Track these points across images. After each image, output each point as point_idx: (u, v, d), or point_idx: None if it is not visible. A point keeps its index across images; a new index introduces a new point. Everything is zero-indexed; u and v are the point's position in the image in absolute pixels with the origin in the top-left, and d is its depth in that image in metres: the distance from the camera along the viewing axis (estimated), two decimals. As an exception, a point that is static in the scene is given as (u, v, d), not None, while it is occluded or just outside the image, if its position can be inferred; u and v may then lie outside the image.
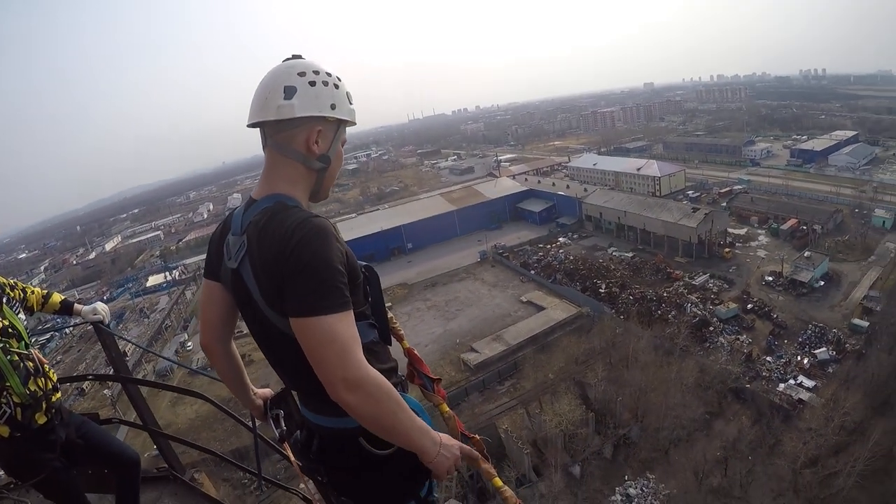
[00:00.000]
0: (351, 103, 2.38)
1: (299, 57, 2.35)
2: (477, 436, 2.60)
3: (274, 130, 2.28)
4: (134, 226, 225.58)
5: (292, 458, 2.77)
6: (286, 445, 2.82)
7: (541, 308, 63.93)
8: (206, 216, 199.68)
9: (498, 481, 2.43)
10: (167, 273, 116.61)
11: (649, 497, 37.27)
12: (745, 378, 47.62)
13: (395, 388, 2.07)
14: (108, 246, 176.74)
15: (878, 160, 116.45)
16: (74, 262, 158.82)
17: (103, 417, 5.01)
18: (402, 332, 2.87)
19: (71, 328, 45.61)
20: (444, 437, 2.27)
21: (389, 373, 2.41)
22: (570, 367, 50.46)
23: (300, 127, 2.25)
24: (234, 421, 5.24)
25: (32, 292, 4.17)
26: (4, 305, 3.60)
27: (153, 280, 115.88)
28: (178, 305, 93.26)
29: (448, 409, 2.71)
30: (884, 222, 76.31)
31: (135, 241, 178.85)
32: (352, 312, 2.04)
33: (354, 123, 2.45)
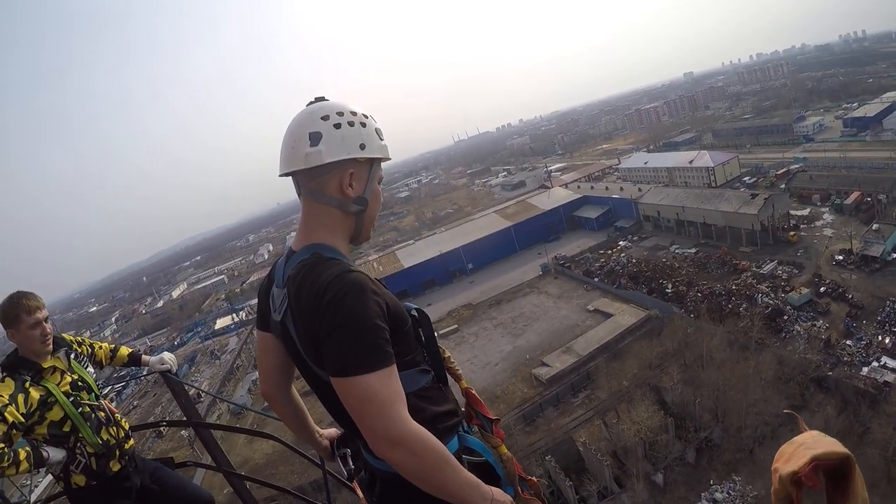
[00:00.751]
0: (382, 139, 2.35)
1: (322, 98, 2.31)
2: (534, 478, 2.61)
3: (306, 179, 2.27)
4: (198, 272, 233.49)
5: (361, 495, 2.74)
6: (356, 483, 2.83)
7: (608, 315, 63.32)
8: (266, 257, 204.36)
9: None
10: (234, 315, 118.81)
11: (737, 500, 36.40)
12: (826, 366, 46.05)
13: (440, 443, 2.04)
14: (175, 293, 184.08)
15: None
16: (143, 312, 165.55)
17: (179, 460, 5.29)
18: (460, 371, 2.77)
19: (142, 377, 46.57)
20: (497, 492, 2.22)
21: (448, 415, 2.41)
22: (644, 373, 49.79)
23: (331, 172, 2.23)
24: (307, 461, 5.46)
25: (100, 347, 4.39)
26: (73, 360, 3.84)
27: (221, 322, 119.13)
28: (248, 345, 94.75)
29: (507, 450, 2.58)
30: None
31: (200, 286, 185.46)
32: (394, 368, 2.02)
33: (388, 159, 2.42)
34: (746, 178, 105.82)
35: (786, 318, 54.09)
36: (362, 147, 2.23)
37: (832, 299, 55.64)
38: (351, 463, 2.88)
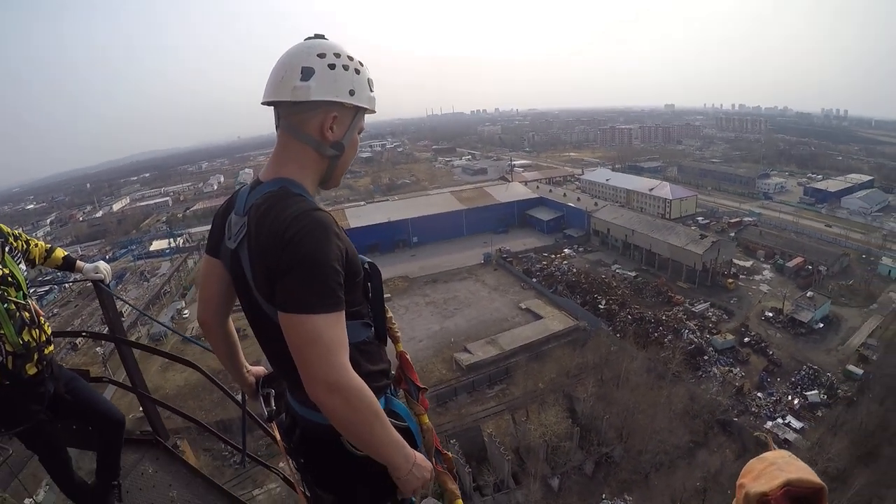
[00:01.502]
0: (372, 91, 2.29)
1: (322, 37, 2.24)
2: (450, 453, 2.59)
3: (288, 112, 2.19)
4: (143, 189, 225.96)
5: (278, 437, 2.72)
6: (273, 425, 2.80)
7: (539, 317, 63.86)
8: (215, 188, 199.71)
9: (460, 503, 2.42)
10: (171, 240, 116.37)
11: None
12: (733, 411, 47.55)
13: (375, 399, 2.02)
14: (116, 206, 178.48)
15: (891, 208, 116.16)
16: (81, 219, 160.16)
17: (93, 376, 5.00)
18: (399, 334, 2.76)
19: (70, 283, 45.87)
20: (419, 457, 2.24)
21: (381, 374, 2.39)
22: (560, 379, 50.38)
23: (315, 111, 2.16)
24: (223, 393, 5.29)
25: (36, 245, 4.15)
26: (6, 254, 3.61)
27: (157, 245, 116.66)
28: (179, 273, 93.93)
29: (428, 421, 2.60)
30: (890, 271, 75.91)
31: (143, 204, 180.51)
32: (343, 314, 2.00)
33: (374, 112, 2.36)
34: (700, 219, 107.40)
35: (706, 358, 55.42)
36: (352, 93, 2.19)
37: (753, 351, 57.15)
38: (273, 404, 2.86)
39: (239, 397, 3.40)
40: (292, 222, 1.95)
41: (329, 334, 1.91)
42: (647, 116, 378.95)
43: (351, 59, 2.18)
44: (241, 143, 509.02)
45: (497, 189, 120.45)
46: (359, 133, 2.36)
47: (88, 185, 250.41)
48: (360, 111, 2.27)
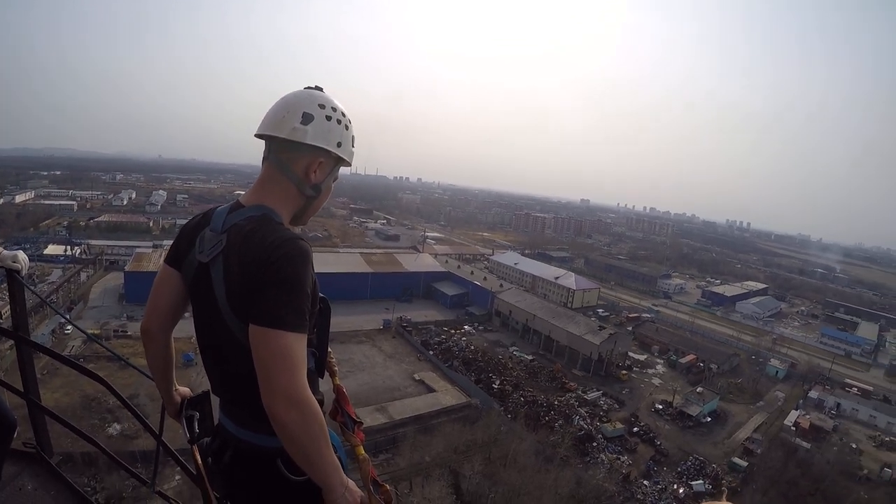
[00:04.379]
0: (353, 146, 2.50)
1: (320, 89, 2.43)
2: (387, 486, 2.44)
3: (280, 148, 2.35)
4: (51, 187, 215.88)
5: (199, 460, 2.80)
6: (195, 448, 2.85)
7: (432, 389, 62.86)
8: (125, 202, 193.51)
9: None
10: (69, 247, 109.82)
11: None
12: (619, 497, 47.23)
13: (324, 419, 2.08)
14: (19, 198, 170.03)
15: (782, 314, 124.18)
16: None
17: None
18: (337, 368, 2.80)
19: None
20: (351, 483, 2.24)
21: (318, 404, 2.24)
22: (448, 455, 48.96)
23: (305, 153, 2.35)
24: (109, 413, 4.53)
25: None
26: None
27: (52, 249, 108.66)
28: (71, 284, 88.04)
29: (364, 452, 2.51)
30: (777, 372, 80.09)
31: (47, 202, 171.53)
32: (306, 337, 2.08)
33: (350, 165, 2.57)
34: (601, 311, 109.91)
35: (595, 444, 55.20)
36: (339, 145, 2.41)
37: (642, 440, 57.60)
38: (197, 427, 2.84)
39: (154, 426, 3.47)
40: (280, 245, 2.09)
41: (297, 352, 2.00)
42: (563, 208, 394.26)
43: (344, 115, 2.43)
44: (160, 162, 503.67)
45: (407, 257, 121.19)
46: (333, 181, 2.56)
47: None
48: (340, 162, 2.50)
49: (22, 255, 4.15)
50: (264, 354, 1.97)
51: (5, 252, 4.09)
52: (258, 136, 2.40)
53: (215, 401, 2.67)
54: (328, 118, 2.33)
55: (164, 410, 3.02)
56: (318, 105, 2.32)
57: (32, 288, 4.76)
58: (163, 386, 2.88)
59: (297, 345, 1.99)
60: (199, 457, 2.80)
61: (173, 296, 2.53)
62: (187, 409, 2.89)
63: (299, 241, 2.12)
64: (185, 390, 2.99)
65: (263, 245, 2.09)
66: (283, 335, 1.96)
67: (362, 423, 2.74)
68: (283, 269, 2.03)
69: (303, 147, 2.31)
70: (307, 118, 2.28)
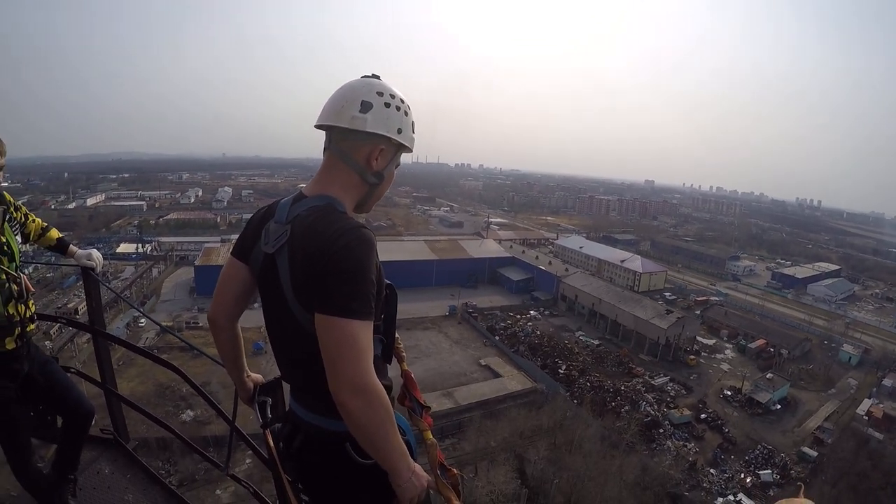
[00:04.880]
0: (413, 132, 2.50)
1: (377, 77, 2.45)
2: (455, 469, 2.49)
3: (341, 137, 2.38)
4: (120, 189, 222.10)
5: (272, 444, 2.82)
6: (267, 433, 2.89)
7: (497, 375, 63.36)
8: (192, 200, 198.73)
9: None
10: (140, 245, 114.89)
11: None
12: (685, 485, 46.94)
13: (391, 405, 2.11)
14: (90, 201, 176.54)
15: (856, 297, 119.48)
16: (53, 207, 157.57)
17: (62, 365, 4.57)
18: (405, 353, 2.92)
19: (59, 266, 45.15)
20: (418, 467, 2.28)
21: (386, 389, 2.32)
22: (513, 440, 49.55)
23: (366, 141, 2.36)
24: (207, 404, 5.08)
25: (33, 220, 4.12)
26: (6, 222, 3.56)
27: (124, 247, 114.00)
28: (142, 280, 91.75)
29: (431, 437, 2.61)
30: (850, 358, 77.33)
31: (117, 204, 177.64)
32: (372, 324, 2.10)
33: (411, 151, 2.56)
34: (668, 294, 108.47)
35: (661, 431, 55.06)
36: (399, 132, 2.40)
37: (709, 427, 56.97)
38: (269, 413, 2.95)
39: (228, 412, 3.60)
40: (344, 234, 2.11)
41: (362, 339, 2.03)
42: (627, 190, 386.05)
43: (402, 101, 2.42)
44: (224, 160, 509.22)
45: (471, 244, 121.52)
46: (395, 168, 2.57)
47: (66, 175, 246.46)
48: (401, 148, 2.50)
49: (96, 254, 4.52)
50: (329, 343, 2.03)
51: (80, 251, 4.46)
52: (318, 126, 2.47)
53: (286, 388, 2.80)
54: (387, 105, 2.36)
55: (237, 396, 3.17)
56: (377, 93, 2.36)
57: (107, 284, 5.28)
58: (234, 373, 2.99)
59: (362, 332, 2.04)
60: (271, 441, 2.86)
61: (239, 287, 2.63)
62: (260, 395, 3.02)
63: (362, 229, 2.17)
64: (257, 377, 3.11)
65: (327, 234, 2.14)
66: (348, 323, 2.01)
67: (430, 408, 2.83)
68: (346, 257, 2.07)
69: (363, 135, 2.35)
70: (366, 106, 2.33)
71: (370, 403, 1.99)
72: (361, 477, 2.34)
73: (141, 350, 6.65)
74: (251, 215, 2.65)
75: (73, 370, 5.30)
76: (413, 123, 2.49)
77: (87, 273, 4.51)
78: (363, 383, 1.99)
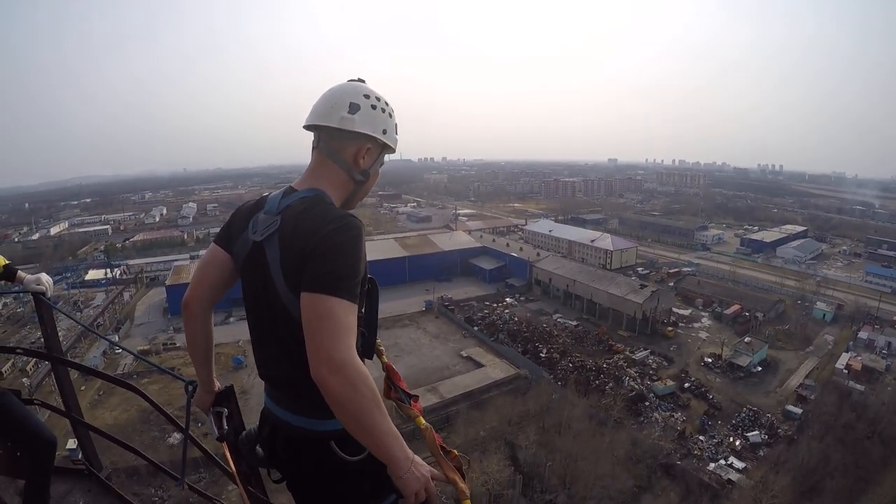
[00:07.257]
0: (397, 134, 2.63)
1: (363, 81, 2.59)
2: (455, 451, 2.44)
3: (329, 137, 2.49)
4: (83, 215, 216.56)
5: (228, 454, 2.88)
6: (224, 445, 2.93)
7: (479, 365, 63.35)
8: (157, 219, 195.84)
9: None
10: (108, 270, 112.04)
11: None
12: (676, 455, 47.43)
13: (376, 387, 2.06)
14: (54, 230, 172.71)
15: (824, 256, 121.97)
16: (16, 240, 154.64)
17: (24, 397, 4.36)
18: (383, 348, 2.86)
19: (9, 295, 44.50)
20: (417, 458, 2.15)
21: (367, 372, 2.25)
22: (502, 427, 49.63)
23: (353, 141, 2.48)
24: (169, 423, 5.03)
25: None
26: None
27: (93, 274, 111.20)
28: (114, 305, 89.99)
29: (424, 421, 2.51)
30: (824, 315, 78.79)
31: (81, 230, 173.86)
32: (356, 308, 2.11)
33: (394, 151, 2.70)
34: (640, 269, 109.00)
35: (647, 404, 55.47)
36: (384, 132, 2.54)
37: (694, 396, 57.55)
38: (225, 424, 2.92)
39: (181, 424, 3.42)
40: (336, 219, 2.20)
41: (344, 316, 2.03)
42: (591, 170, 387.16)
43: (387, 104, 2.56)
44: (186, 175, 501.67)
45: (441, 237, 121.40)
46: (379, 167, 2.72)
47: (27, 205, 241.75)
48: (386, 148, 2.63)
49: (45, 277, 4.31)
50: (312, 318, 2.02)
51: (29, 277, 4.27)
52: (306, 127, 2.54)
53: (259, 389, 2.78)
54: (373, 107, 2.47)
55: (189, 400, 3.08)
56: (364, 95, 2.46)
57: (62, 310, 5.05)
58: (202, 370, 2.94)
59: (345, 311, 2.03)
60: (227, 450, 2.87)
61: (218, 273, 2.66)
62: (214, 405, 2.98)
63: (353, 217, 2.24)
64: (217, 384, 3.04)
65: (317, 220, 2.20)
66: (330, 299, 2.01)
67: (417, 397, 2.76)
68: (336, 240, 2.12)
69: (351, 135, 2.45)
70: (354, 108, 2.42)
71: (352, 382, 1.93)
72: (350, 475, 2.36)
73: (100, 373, 6.49)
74: (238, 207, 2.73)
75: (36, 402, 5.10)
76: (396, 126, 2.61)
77: (38, 298, 4.30)
78: (342, 359, 1.94)
